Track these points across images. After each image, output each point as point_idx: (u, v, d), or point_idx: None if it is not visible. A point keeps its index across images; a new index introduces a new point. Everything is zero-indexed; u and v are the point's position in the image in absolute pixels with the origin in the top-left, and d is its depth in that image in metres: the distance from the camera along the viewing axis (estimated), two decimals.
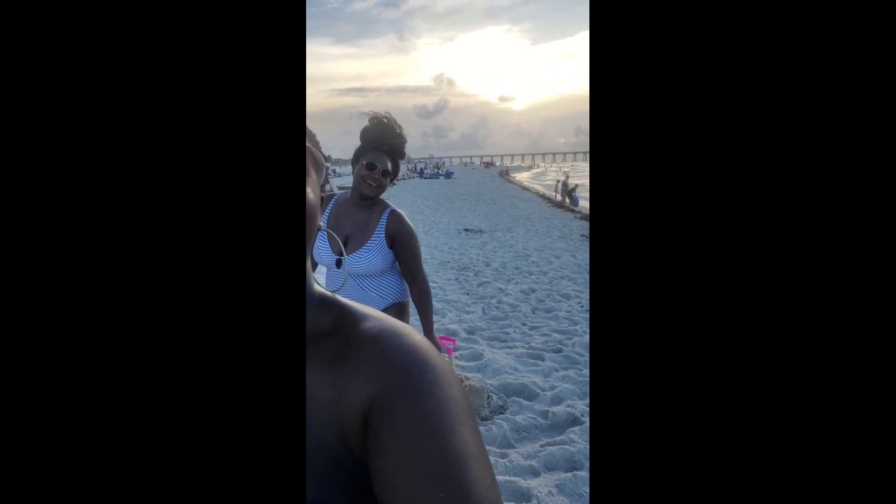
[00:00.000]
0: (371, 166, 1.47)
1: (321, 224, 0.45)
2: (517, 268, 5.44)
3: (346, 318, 0.41)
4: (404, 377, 0.35)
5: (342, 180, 23.95)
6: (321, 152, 0.43)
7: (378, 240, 1.52)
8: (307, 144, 0.38)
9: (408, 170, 34.39)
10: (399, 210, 1.56)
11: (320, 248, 1.48)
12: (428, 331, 1.60)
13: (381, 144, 1.49)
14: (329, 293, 0.44)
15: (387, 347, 0.37)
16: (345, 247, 1.48)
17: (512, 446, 2.06)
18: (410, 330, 0.40)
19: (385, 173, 1.49)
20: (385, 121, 1.50)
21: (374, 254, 1.51)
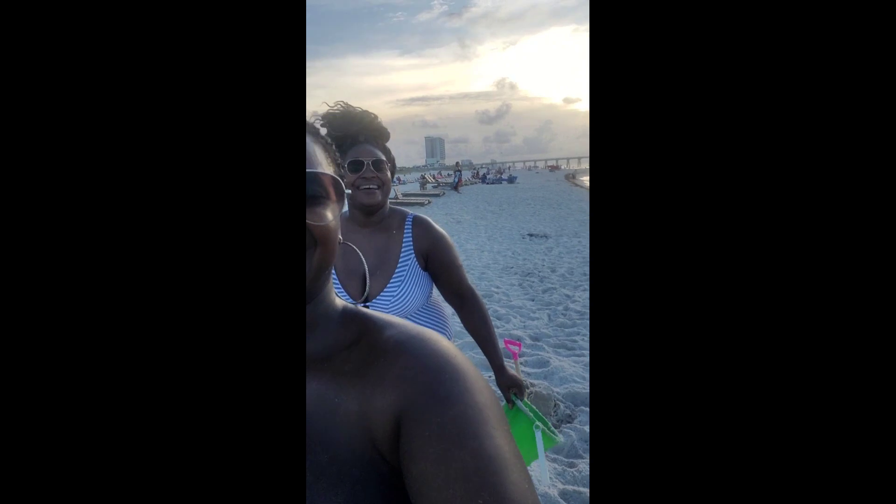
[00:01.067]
0: (357, 165, 1.04)
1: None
2: (585, 273, 5.27)
3: (368, 328, 0.42)
4: (434, 384, 0.35)
5: (406, 187, 24.75)
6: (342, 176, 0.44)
7: (408, 264, 1.09)
8: (329, 172, 0.40)
9: (471, 175, 34.75)
10: (422, 215, 1.16)
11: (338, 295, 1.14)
12: (498, 369, 1.14)
13: (357, 133, 1.08)
14: (350, 305, 0.45)
15: (414, 354, 0.37)
16: (366, 287, 0.96)
17: (580, 456, 2.01)
18: (436, 335, 0.40)
19: (379, 164, 1.06)
20: (344, 107, 1.08)
21: (409, 286, 1.08)
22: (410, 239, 1.11)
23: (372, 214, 1.09)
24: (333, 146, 0.47)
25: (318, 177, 0.38)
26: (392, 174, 1.11)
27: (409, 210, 1.18)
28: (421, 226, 1.13)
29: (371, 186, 1.06)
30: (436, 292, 1.20)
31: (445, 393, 0.34)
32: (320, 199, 0.38)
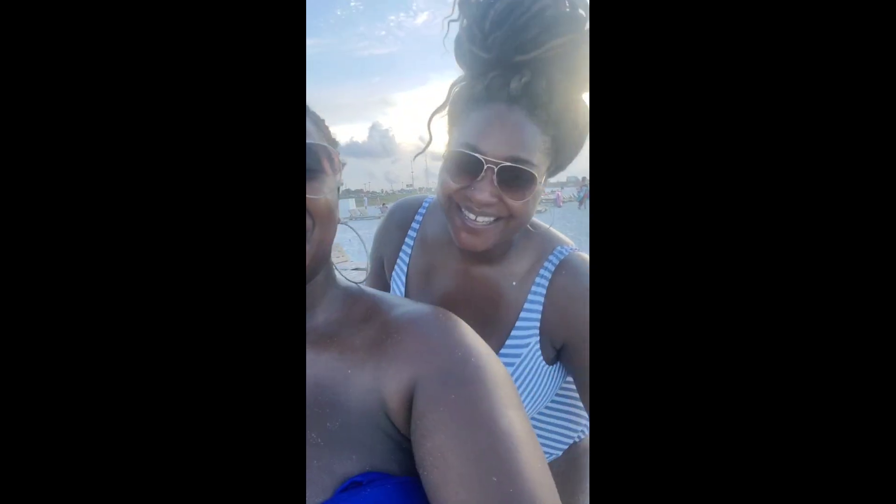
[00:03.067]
0: (467, 163, 0.53)
1: (340, 218, 0.42)
2: None
3: (378, 306, 0.42)
4: (448, 362, 0.35)
5: None
6: (334, 144, 0.43)
7: (524, 347, 0.59)
8: (322, 143, 0.39)
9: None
10: (579, 253, 0.61)
11: None
12: None
13: (523, 65, 0.52)
14: (354, 284, 0.45)
15: (426, 330, 0.38)
16: None
17: None
18: (446, 312, 0.40)
19: (521, 172, 0.53)
20: None
21: (523, 379, 0.60)
22: (542, 299, 0.58)
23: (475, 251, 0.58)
24: (324, 122, 0.44)
25: (309, 148, 0.37)
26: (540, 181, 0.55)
27: (557, 235, 0.63)
28: (573, 277, 0.58)
29: (475, 227, 0.54)
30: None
31: (460, 370, 0.35)
32: (313, 173, 0.37)
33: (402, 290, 0.70)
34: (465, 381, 0.34)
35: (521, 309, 0.62)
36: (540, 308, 0.61)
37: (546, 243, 0.64)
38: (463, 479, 0.30)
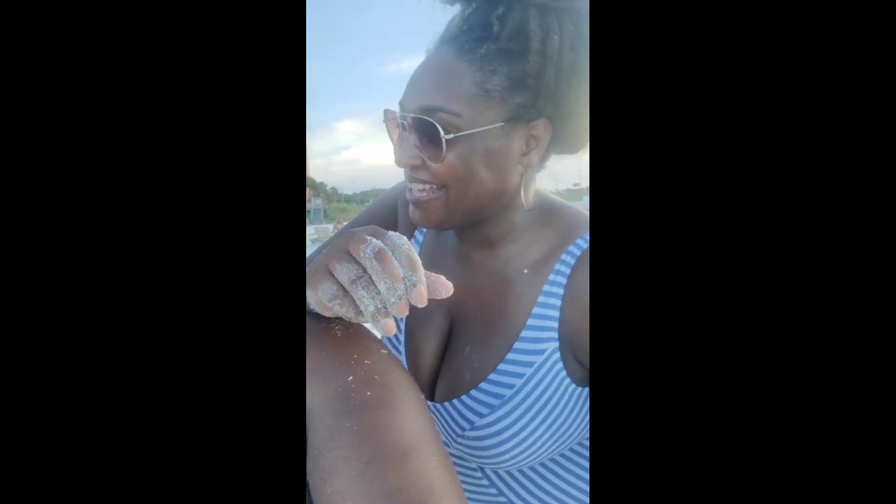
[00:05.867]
0: (390, 123, 0.49)
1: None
2: None
3: None
4: (345, 385, 0.31)
5: None
6: None
7: (542, 347, 0.46)
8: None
9: None
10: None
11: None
12: None
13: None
14: None
15: (321, 346, 0.33)
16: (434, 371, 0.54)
17: None
18: (344, 322, 0.35)
19: (426, 136, 0.43)
20: None
21: (529, 398, 0.46)
22: (560, 294, 0.47)
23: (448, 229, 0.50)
24: None
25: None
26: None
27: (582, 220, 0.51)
28: (585, 267, 0.47)
29: (418, 186, 0.46)
30: None
31: (361, 394, 0.30)
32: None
33: None
34: (367, 408, 0.29)
35: (534, 304, 0.47)
36: (558, 306, 0.46)
37: (571, 227, 0.49)
38: (348, 487, 0.27)
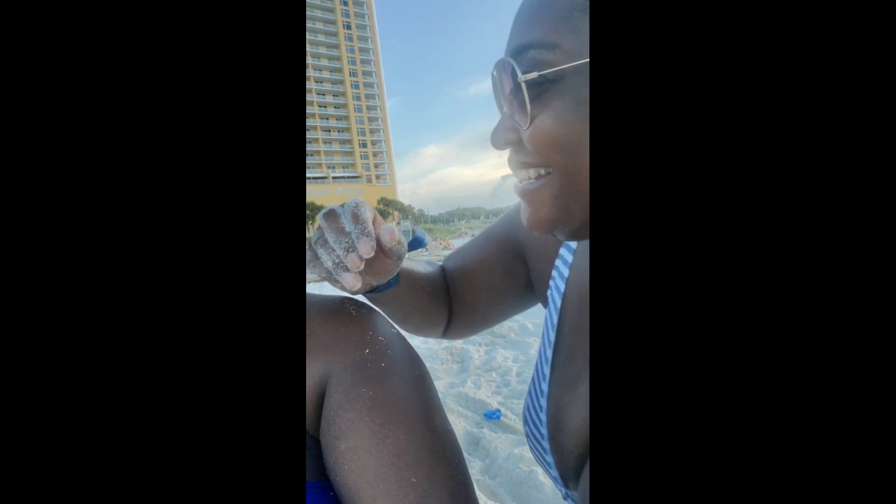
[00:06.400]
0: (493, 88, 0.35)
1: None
2: None
3: None
4: (362, 356, 0.33)
5: None
6: None
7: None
8: None
9: None
10: None
11: None
12: None
13: None
14: None
15: (340, 322, 0.36)
16: None
17: None
18: (360, 302, 0.38)
19: (536, 86, 0.30)
20: None
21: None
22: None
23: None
24: None
25: None
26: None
27: None
28: None
29: (522, 172, 0.35)
30: None
31: (376, 365, 0.33)
32: None
33: (555, 318, 0.46)
34: (381, 377, 0.32)
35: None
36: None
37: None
38: (380, 481, 0.29)
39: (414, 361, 0.35)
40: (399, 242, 0.37)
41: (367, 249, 0.34)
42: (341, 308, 0.37)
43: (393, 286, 0.45)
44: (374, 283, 0.41)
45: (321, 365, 0.33)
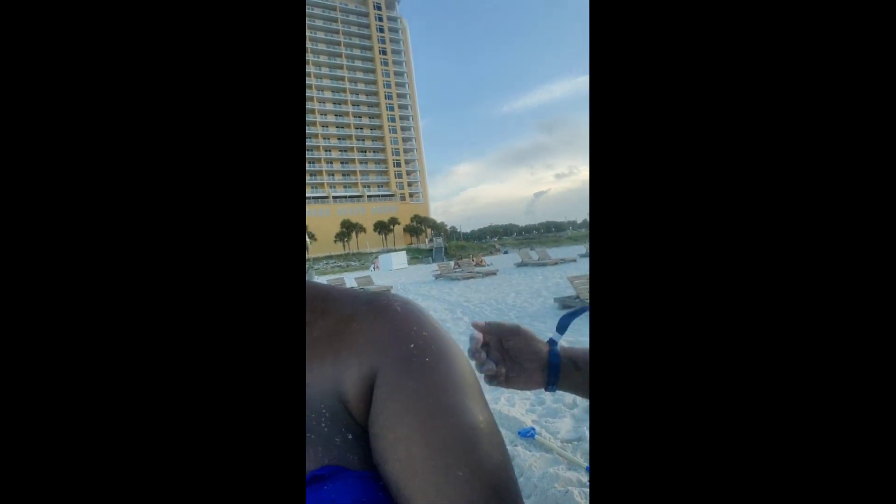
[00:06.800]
0: None
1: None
2: None
3: (331, 298, 0.41)
4: (409, 351, 0.35)
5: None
6: None
7: None
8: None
9: None
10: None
11: None
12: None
13: None
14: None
15: (386, 319, 0.37)
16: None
17: None
18: (405, 299, 0.40)
19: None
20: None
21: None
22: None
23: None
24: None
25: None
26: None
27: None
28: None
29: None
30: None
31: (421, 359, 0.34)
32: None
33: None
34: (426, 371, 0.34)
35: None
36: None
37: None
38: (428, 472, 0.30)
39: (457, 357, 0.36)
40: (489, 369, 0.60)
41: (488, 374, 0.58)
42: (388, 304, 0.38)
43: (557, 378, 0.61)
44: (540, 381, 0.61)
45: (369, 359, 0.35)
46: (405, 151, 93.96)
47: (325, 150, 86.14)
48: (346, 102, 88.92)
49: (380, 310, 0.38)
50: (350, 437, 0.34)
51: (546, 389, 0.61)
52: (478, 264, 21.13)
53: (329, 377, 0.36)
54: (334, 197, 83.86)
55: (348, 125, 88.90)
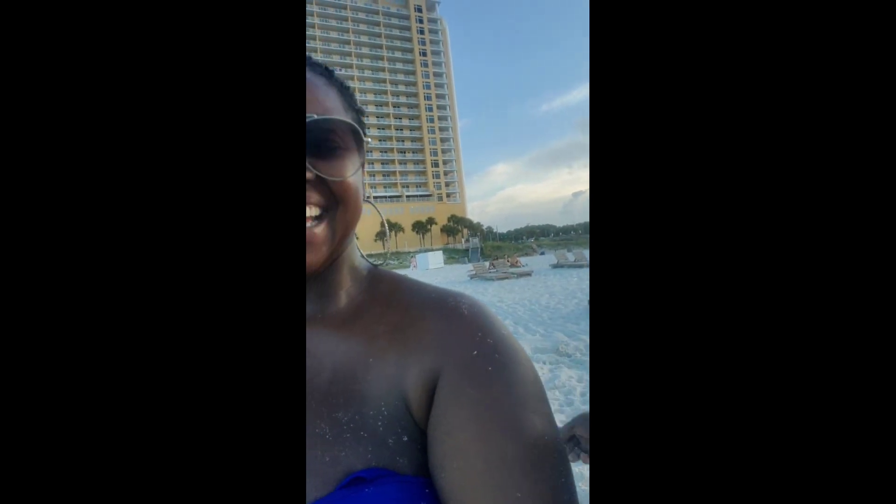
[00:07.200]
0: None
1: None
2: None
3: (400, 289, 0.40)
4: (474, 356, 0.33)
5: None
6: (364, 129, 0.39)
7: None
8: (346, 118, 0.36)
9: None
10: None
11: None
12: None
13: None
14: (374, 265, 0.44)
15: (453, 318, 0.36)
16: None
17: None
18: (474, 299, 0.39)
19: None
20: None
21: None
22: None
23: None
24: (351, 90, 0.41)
25: (332, 123, 0.34)
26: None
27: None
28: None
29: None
30: None
31: (486, 365, 0.33)
32: (336, 150, 0.35)
33: None
34: (488, 380, 0.32)
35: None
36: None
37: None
38: (485, 488, 0.29)
39: (522, 368, 0.34)
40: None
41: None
42: (455, 306, 0.37)
43: None
44: None
45: (431, 360, 0.34)
46: (443, 152, 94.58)
47: (367, 152, 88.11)
48: (386, 104, 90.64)
49: (447, 311, 0.36)
50: (405, 438, 0.33)
51: None
52: (513, 265, 20.99)
53: (391, 374, 0.35)
54: (374, 197, 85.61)
55: (389, 126, 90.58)
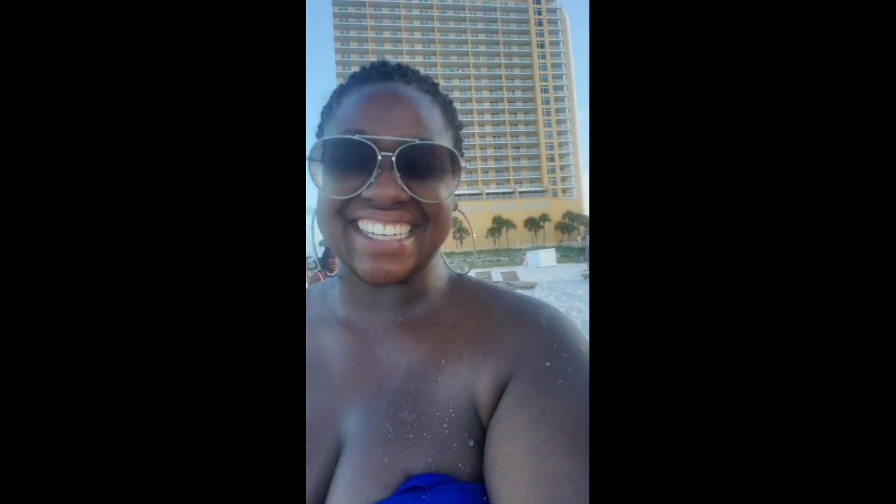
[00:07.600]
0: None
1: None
2: None
3: (480, 296, 0.41)
4: (542, 368, 0.33)
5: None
6: (461, 150, 0.41)
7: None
8: (444, 145, 0.36)
9: None
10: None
11: None
12: None
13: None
14: (457, 273, 0.45)
15: (529, 327, 0.36)
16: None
17: None
18: (554, 309, 0.39)
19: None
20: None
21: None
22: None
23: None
24: (453, 105, 0.41)
25: (433, 150, 0.35)
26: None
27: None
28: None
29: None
30: None
31: (553, 380, 0.32)
32: (433, 173, 0.36)
33: None
34: (556, 393, 0.32)
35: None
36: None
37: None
38: (532, 497, 0.28)
39: (588, 366, 0.34)
40: None
41: None
42: (534, 315, 0.37)
43: None
44: None
45: (504, 364, 0.34)
46: (560, 146, 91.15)
47: (481, 149, 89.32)
48: (502, 100, 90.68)
49: (525, 319, 0.37)
50: (471, 443, 0.33)
51: None
52: None
53: (463, 377, 0.35)
54: (487, 193, 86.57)
55: (503, 122, 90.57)
